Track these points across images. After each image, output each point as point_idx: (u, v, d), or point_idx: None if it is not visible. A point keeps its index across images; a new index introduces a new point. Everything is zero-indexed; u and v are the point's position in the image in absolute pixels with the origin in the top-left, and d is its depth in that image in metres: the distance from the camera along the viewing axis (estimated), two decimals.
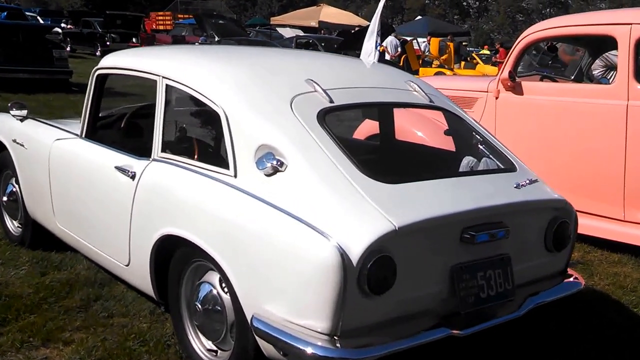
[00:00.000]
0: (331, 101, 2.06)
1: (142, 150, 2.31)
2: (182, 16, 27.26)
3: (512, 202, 2.03)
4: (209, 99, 2.10)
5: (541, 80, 4.20)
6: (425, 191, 1.90)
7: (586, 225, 3.26)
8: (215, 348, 2.08)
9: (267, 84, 2.15)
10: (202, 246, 1.94)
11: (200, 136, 2.47)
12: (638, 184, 3.36)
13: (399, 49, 13.47)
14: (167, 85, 2.28)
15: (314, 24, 21.65)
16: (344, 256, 1.63)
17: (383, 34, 5.83)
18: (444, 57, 13.96)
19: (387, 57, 12.57)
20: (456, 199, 1.91)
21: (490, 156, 2.27)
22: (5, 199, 3.18)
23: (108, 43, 16.68)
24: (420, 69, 13.06)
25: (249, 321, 1.80)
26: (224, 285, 1.97)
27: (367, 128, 3.93)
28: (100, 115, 2.78)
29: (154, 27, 24.21)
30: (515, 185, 2.08)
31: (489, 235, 1.92)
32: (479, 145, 2.33)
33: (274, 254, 1.76)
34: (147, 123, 2.43)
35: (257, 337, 1.80)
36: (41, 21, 17.86)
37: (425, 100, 2.36)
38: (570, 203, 2.18)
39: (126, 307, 2.54)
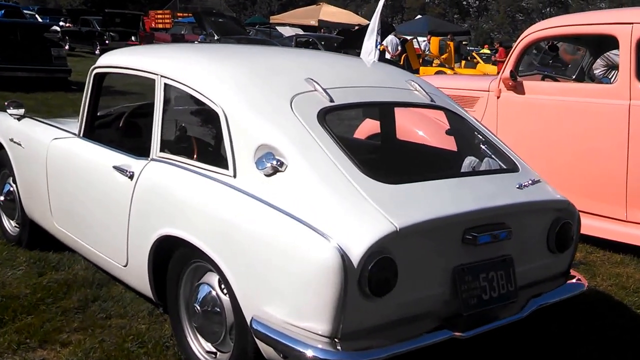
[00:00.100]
0: (331, 100, 2.04)
1: (141, 150, 2.29)
2: (181, 15, 27.24)
3: (515, 202, 2.01)
4: (208, 98, 2.08)
5: (542, 79, 4.19)
6: (426, 192, 1.88)
7: (588, 226, 3.24)
8: (214, 350, 2.06)
9: (266, 83, 2.13)
10: (201, 247, 1.92)
11: (199, 136, 2.45)
12: None
13: (400, 48, 13.44)
14: (165, 84, 2.26)
15: (313, 22, 21.62)
16: (344, 257, 1.61)
17: (383, 33, 5.80)
18: (444, 56, 13.94)
19: (388, 56, 12.55)
20: (458, 200, 1.89)
21: (493, 156, 2.25)
22: (2, 198, 3.15)
23: (107, 42, 16.64)
24: (421, 68, 13.03)
25: (249, 323, 1.78)
26: (223, 286, 1.95)
27: (368, 127, 3.91)
28: (98, 114, 2.76)
29: (153, 25, 24.19)
30: (517, 186, 2.06)
31: (492, 236, 1.90)
32: (481, 145, 2.31)
33: (273, 255, 1.74)
34: (145, 122, 2.41)
35: (256, 340, 1.78)
36: (40, 19, 17.82)
37: (426, 100, 2.34)
38: (573, 204, 2.16)
39: (124, 308, 2.52)
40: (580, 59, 4.63)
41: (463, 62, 15.29)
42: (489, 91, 4.03)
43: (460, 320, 1.85)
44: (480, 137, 2.33)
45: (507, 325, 1.97)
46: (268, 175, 1.85)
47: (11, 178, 3.05)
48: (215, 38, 13.22)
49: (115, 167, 2.29)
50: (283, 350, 1.69)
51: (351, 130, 4.13)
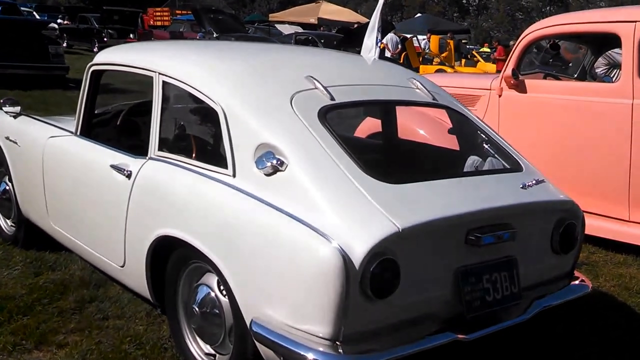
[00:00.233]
0: (332, 99, 2.01)
1: (139, 149, 2.27)
2: (180, 12, 27.16)
3: (519, 203, 1.98)
4: (207, 96, 2.05)
5: (544, 78, 4.16)
6: (429, 192, 1.86)
7: (590, 226, 3.19)
8: (213, 352, 2.03)
9: (266, 81, 2.11)
10: (200, 247, 1.89)
11: (198, 134, 2.42)
12: None
13: (399, 46, 13.41)
14: (163, 82, 2.23)
15: (313, 20, 21.58)
16: (345, 259, 1.58)
17: (383, 31, 5.77)
18: (444, 55, 13.93)
19: (388, 54, 12.51)
20: (461, 200, 1.87)
21: (496, 155, 2.22)
22: None
23: (105, 39, 16.60)
24: (421, 66, 13.01)
25: (248, 325, 1.75)
26: (222, 287, 1.92)
27: (368, 126, 3.88)
28: (95, 112, 2.73)
29: (151, 23, 24.12)
30: (521, 186, 2.04)
31: (495, 237, 1.88)
32: (484, 145, 2.28)
33: (273, 256, 1.71)
34: (143, 121, 2.38)
35: (256, 342, 1.75)
36: (37, 17, 17.75)
37: (428, 98, 2.31)
38: (577, 204, 2.13)
39: (122, 308, 2.49)
40: (582, 58, 4.61)
41: (463, 60, 15.28)
42: (490, 90, 4.00)
43: (463, 323, 1.83)
44: (484, 136, 2.31)
45: (511, 326, 1.94)
46: (268, 175, 1.82)
47: (7, 177, 3.03)
48: (214, 36, 13.18)
49: (112, 166, 2.26)
50: (283, 353, 1.67)
51: (351, 129, 4.09)
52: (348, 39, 13.42)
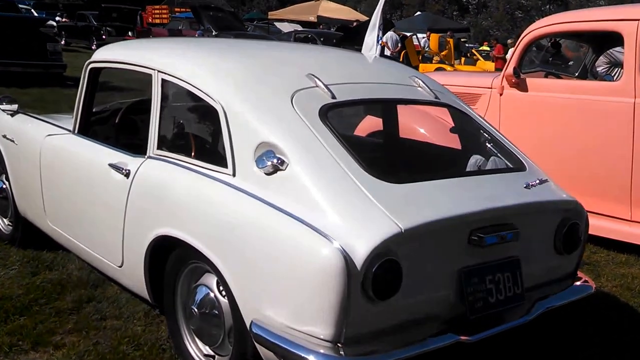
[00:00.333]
0: (333, 97, 1.99)
1: (137, 147, 2.24)
2: (178, 10, 27.09)
3: (523, 202, 1.96)
4: (206, 94, 2.02)
5: (545, 76, 4.14)
6: (432, 191, 1.84)
7: (592, 225, 3.17)
8: (212, 353, 2.01)
9: (266, 78, 2.08)
10: (199, 247, 1.87)
11: (197, 133, 2.39)
12: None
13: (399, 45, 13.39)
14: (163, 79, 2.20)
15: (312, 18, 21.54)
16: (347, 259, 1.56)
17: (383, 29, 5.74)
18: (443, 53, 13.91)
19: (387, 52, 12.48)
20: (464, 200, 1.85)
21: (499, 155, 2.20)
22: None
23: (104, 36, 16.55)
24: (420, 64, 13.00)
25: (248, 327, 1.73)
26: (221, 288, 1.90)
27: (368, 125, 3.85)
28: (93, 110, 2.71)
29: (150, 20, 24.07)
30: (525, 185, 2.02)
31: (498, 237, 1.86)
32: (487, 144, 2.26)
33: (274, 256, 1.69)
34: (142, 119, 2.35)
35: (256, 344, 1.72)
36: (35, 14, 17.68)
37: (430, 97, 2.29)
38: (581, 204, 2.11)
39: (120, 309, 2.46)
40: (583, 56, 4.59)
41: (463, 59, 15.27)
42: (491, 88, 3.98)
43: (466, 324, 1.81)
44: (486, 135, 2.28)
45: (513, 327, 1.92)
46: (268, 174, 1.79)
47: (4, 175, 3.00)
48: (213, 33, 13.13)
49: (110, 165, 2.24)
50: (284, 355, 1.65)
51: (351, 128, 4.07)
52: (347, 37, 13.39)
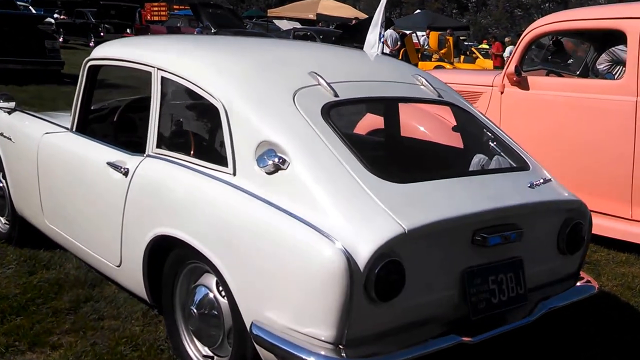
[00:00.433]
0: (336, 95, 1.97)
1: (136, 146, 2.21)
2: (177, 7, 27.01)
3: (527, 202, 1.94)
4: (207, 92, 1.99)
5: (547, 75, 4.12)
6: (435, 191, 1.81)
7: (592, 224, 3.18)
8: (211, 354, 1.99)
9: (268, 76, 2.05)
10: (198, 247, 1.85)
11: (197, 131, 2.37)
12: None
13: (399, 43, 13.36)
14: (162, 77, 2.17)
15: (311, 16, 21.50)
16: (350, 260, 1.54)
17: (384, 27, 5.71)
18: (443, 51, 13.89)
19: (387, 50, 12.44)
20: (468, 200, 1.83)
21: (502, 154, 2.18)
22: None
23: (102, 34, 16.50)
24: (420, 62, 12.98)
25: (248, 328, 1.70)
26: (221, 288, 1.87)
27: (368, 123, 3.83)
28: (92, 108, 2.68)
29: (148, 17, 23.98)
30: (529, 185, 2.00)
31: (502, 238, 1.84)
32: (490, 143, 2.24)
33: (275, 257, 1.67)
34: (141, 117, 2.33)
35: (256, 345, 1.70)
36: (33, 11, 17.60)
37: (434, 95, 2.27)
38: (585, 203, 2.09)
39: (117, 309, 2.44)
40: (585, 54, 4.57)
41: (462, 57, 15.26)
42: (492, 86, 3.96)
43: (468, 325, 1.79)
44: (490, 133, 2.26)
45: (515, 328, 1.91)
46: (269, 173, 1.77)
47: (1, 174, 2.98)
48: (212, 31, 13.08)
49: (109, 164, 2.21)
50: (284, 357, 1.63)
51: (351, 126, 4.04)
52: (347, 34, 13.36)
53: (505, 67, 3.95)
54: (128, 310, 2.43)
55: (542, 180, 2.04)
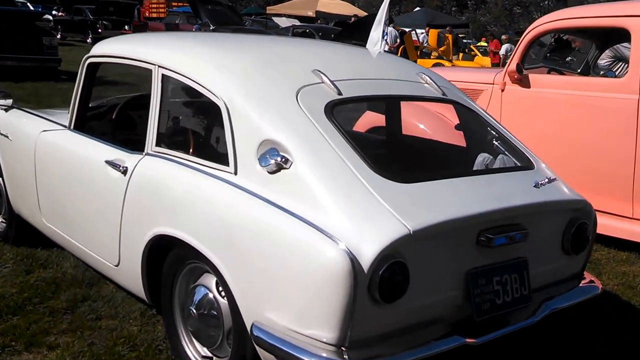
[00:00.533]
0: (339, 93, 1.94)
1: (135, 144, 2.19)
2: (176, 4, 26.93)
3: (533, 202, 1.92)
4: (208, 89, 1.96)
5: (548, 73, 4.10)
6: (440, 191, 1.79)
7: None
8: (210, 355, 1.97)
9: (270, 74, 2.02)
10: (198, 247, 1.82)
11: (198, 130, 2.34)
12: None
13: (398, 40, 13.34)
14: (163, 75, 2.14)
15: (310, 13, 21.47)
16: (353, 261, 1.51)
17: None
18: (442, 49, 13.87)
19: (386, 47, 12.41)
20: (473, 200, 1.80)
21: (507, 153, 2.15)
22: None
23: (100, 30, 16.43)
24: (419, 60, 12.94)
25: (249, 329, 1.68)
26: (220, 289, 1.85)
27: (368, 120, 3.81)
28: (90, 105, 2.64)
29: (147, 14, 23.91)
30: (534, 184, 1.98)
31: (507, 238, 1.82)
32: (495, 142, 2.21)
33: (277, 258, 1.64)
34: (140, 115, 2.30)
35: (256, 346, 1.68)
36: (31, 8, 17.52)
37: (437, 93, 2.24)
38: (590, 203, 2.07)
39: (115, 308, 2.41)
40: (587, 52, 4.55)
41: (461, 54, 15.24)
42: (493, 84, 3.94)
43: (472, 326, 1.77)
44: (494, 132, 2.24)
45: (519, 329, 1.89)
46: (271, 173, 1.74)
47: None
48: (211, 28, 13.03)
49: (107, 162, 2.18)
50: (285, 359, 1.60)
51: (350, 123, 4.00)
52: (345, 32, 13.32)
53: (507, 65, 3.92)
54: (126, 309, 2.40)
55: (547, 180, 2.02)
